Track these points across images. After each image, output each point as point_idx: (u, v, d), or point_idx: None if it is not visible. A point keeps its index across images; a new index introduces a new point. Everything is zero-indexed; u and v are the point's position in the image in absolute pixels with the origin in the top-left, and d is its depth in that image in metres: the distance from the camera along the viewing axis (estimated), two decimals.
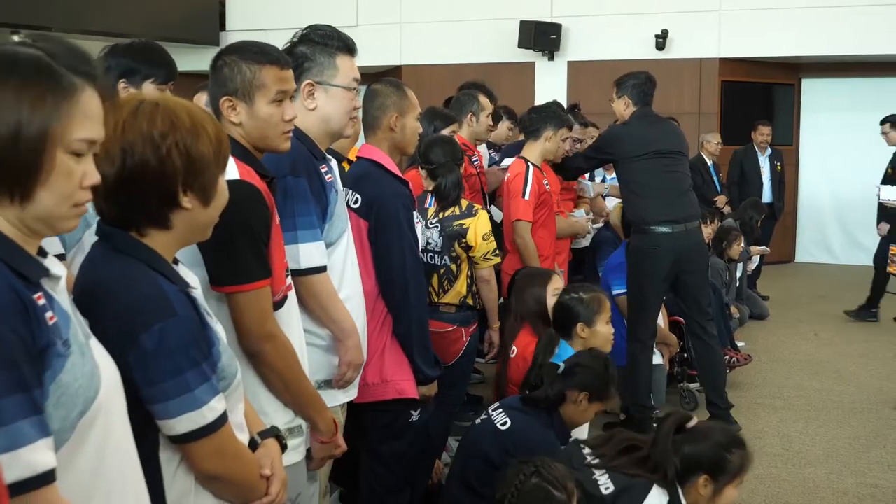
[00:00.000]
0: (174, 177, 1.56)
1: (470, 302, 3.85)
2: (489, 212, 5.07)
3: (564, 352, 3.40)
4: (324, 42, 2.53)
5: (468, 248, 3.81)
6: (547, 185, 4.74)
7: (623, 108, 4.89)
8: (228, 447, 1.62)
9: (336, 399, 2.62)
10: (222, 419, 1.58)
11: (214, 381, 1.57)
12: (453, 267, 3.81)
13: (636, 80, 4.89)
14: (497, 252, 3.89)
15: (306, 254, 2.42)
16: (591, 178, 6.28)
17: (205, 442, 1.55)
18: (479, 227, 3.81)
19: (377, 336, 2.96)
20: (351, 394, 2.69)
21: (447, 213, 3.81)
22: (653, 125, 4.87)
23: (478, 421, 3.25)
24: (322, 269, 2.47)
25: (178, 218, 1.60)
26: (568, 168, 5.19)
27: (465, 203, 3.87)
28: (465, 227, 3.79)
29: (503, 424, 3.07)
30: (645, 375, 4.88)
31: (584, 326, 3.41)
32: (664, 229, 4.71)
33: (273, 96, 2.14)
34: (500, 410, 3.16)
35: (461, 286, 3.82)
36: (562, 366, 3.14)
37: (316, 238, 2.44)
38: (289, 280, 2.24)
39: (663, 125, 4.97)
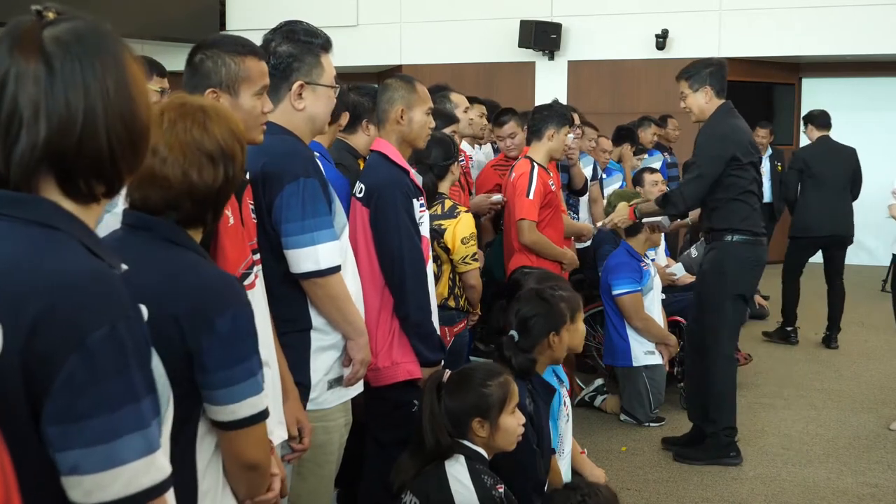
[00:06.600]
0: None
1: (451, 304, 3.80)
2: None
3: None
4: (308, 40, 2.53)
5: (448, 251, 3.76)
6: (552, 184, 4.73)
7: (704, 101, 4.35)
8: (267, 436, 1.67)
9: (346, 395, 2.65)
10: (268, 408, 1.61)
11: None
12: (434, 267, 3.71)
13: (712, 67, 4.31)
14: (476, 256, 3.79)
15: (325, 254, 2.42)
16: (594, 177, 6.24)
17: (256, 428, 1.58)
18: (458, 229, 3.74)
19: (389, 320, 3.01)
20: (357, 388, 2.71)
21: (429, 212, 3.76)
22: (741, 122, 4.42)
23: None
24: (338, 269, 2.47)
25: None
26: (677, 203, 4.41)
27: (448, 203, 3.81)
28: (443, 227, 3.73)
29: None
30: (731, 393, 4.48)
31: (568, 325, 3.38)
32: (764, 241, 4.43)
33: (257, 89, 2.16)
34: None
35: (443, 287, 3.77)
36: None
37: (333, 237, 2.45)
38: (246, 281, 2.22)
39: (743, 124, 4.48)
